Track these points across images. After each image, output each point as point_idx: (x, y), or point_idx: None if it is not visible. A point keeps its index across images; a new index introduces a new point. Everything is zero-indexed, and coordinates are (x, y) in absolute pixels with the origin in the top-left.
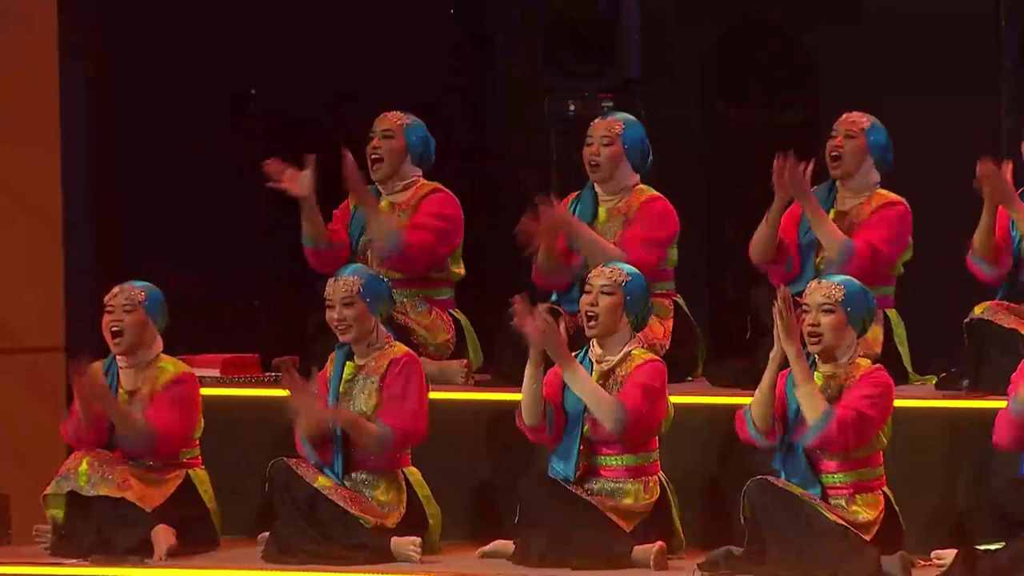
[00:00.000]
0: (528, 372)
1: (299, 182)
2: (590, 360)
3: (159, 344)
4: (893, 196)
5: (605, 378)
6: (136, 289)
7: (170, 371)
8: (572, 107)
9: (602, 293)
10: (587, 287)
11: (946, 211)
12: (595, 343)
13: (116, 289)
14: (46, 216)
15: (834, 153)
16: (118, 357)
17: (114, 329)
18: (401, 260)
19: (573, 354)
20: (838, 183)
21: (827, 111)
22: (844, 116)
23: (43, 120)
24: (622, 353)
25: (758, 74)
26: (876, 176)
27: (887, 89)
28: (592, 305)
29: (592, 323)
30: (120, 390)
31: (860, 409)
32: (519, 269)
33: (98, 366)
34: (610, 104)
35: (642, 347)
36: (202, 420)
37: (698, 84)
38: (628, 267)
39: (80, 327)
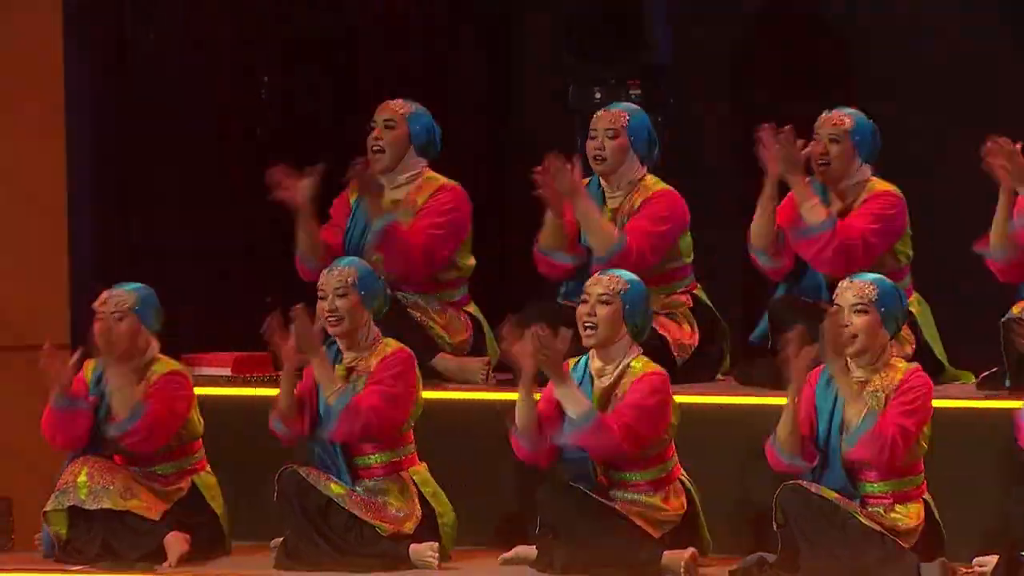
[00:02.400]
0: (521, 397)
1: (298, 191)
2: (590, 374)
3: (155, 346)
4: (882, 187)
5: (606, 395)
6: (125, 294)
7: (163, 368)
8: (598, 94)
9: (599, 302)
10: (584, 296)
11: (977, 202)
12: (594, 355)
13: (104, 295)
14: (51, 211)
15: (821, 161)
16: None
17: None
18: (397, 255)
19: (572, 361)
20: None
21: (864, 99)
22: (824, 117)
23: (48, 115)
24: (622, 366)
25: (792, 61)
26: (866, 172)
27: (922, 78)
28: (590, 315)
29: (590, 333)
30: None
31: (903, 424)
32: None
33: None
34: (637, 92)
35: (643, 354)
36: (200, 420)
37: (730, 71)
38: (627, 275)
39: (85, 324)
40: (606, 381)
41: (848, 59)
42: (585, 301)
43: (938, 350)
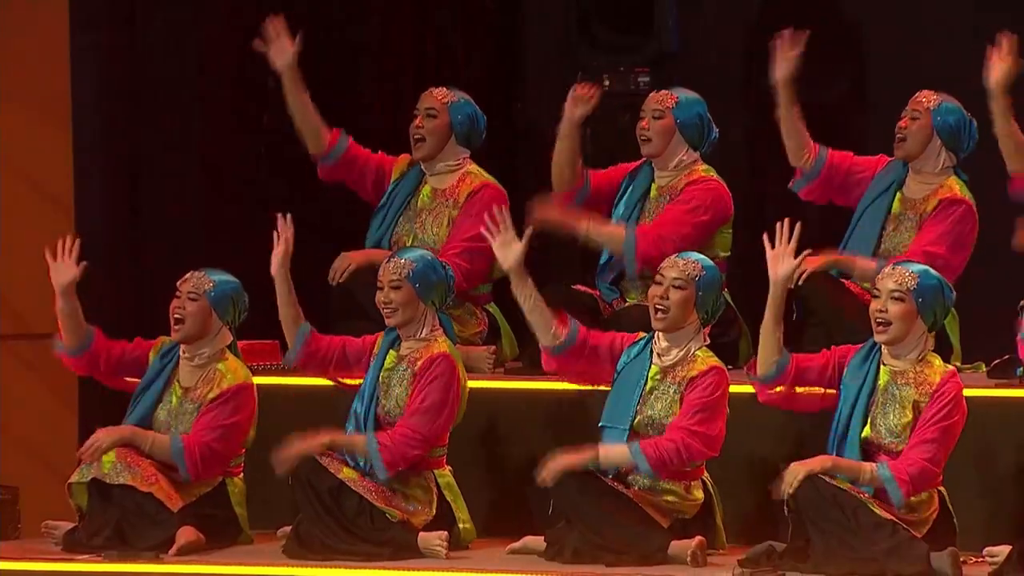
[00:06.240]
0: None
1: (282, 53)
2: (652, 351)
3: (225, 338)
4: (957, 193)
5: (663, 375)
6: (206, 278)
7: (229, 379)
8: (607, 82)
9: (673, 287)
10: (657, 278)
11: (995, 188)
12: (660, 336)
13: (188, 275)
14: (57, 200)
15: (899, 135)
16: (181, 347)
17: (176, 316)
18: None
19: (640, 335)
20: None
21: (874, 86)
22: (916, 95)
23: (56, 106)
24: (685, 351)
25: (804, 48)
26: (947, 161)
27: (936, 64)
28: (663, 298)
29: (661, 315)
30: (175, 384)
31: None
32: (553, 255)
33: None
34: (646, 79)
35: (706, 347)
36: (253, 432)
37: (740, 58)
38: (703, 260)
39: (91, 313)
40: (668, 361)
41: (861, 45)
42: (659, 283)
43: (955, 339)
